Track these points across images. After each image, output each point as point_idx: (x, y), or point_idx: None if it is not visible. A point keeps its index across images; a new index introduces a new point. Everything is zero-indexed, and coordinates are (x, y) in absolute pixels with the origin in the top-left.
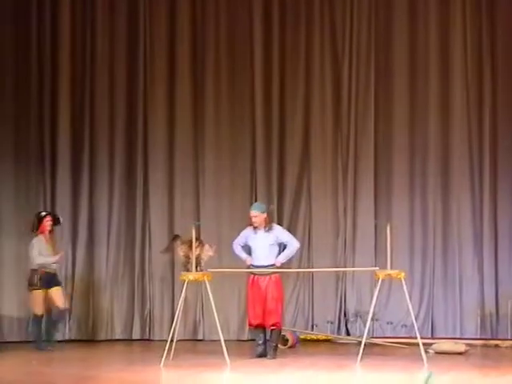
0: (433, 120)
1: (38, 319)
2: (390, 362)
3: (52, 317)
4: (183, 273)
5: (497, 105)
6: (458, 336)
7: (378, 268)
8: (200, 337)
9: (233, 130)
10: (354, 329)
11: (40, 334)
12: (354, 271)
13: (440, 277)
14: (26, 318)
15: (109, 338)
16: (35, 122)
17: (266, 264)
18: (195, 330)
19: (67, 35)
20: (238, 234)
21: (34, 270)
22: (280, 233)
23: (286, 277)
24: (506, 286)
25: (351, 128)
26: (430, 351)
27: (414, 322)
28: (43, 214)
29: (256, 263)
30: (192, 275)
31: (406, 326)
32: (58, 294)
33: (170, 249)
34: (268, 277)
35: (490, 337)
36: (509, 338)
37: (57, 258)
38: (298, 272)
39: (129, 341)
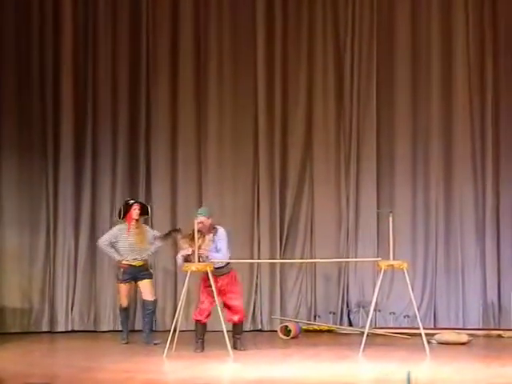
0: (435, 108)
1: (121, 311)
2: (392, 352)
3: (144, 309)
4: (186, 264)
5: (499, 92)
6: (460, 326)
7: (380, 258)
8: None
9: (236, 120)
10: (357, 319)
11: (126, 326)
12: (356, 261)
13: (442, 267)
14: (28, 309)
15: (111, 328)
16: (37, 115)
17: (222, 265)
18: None
19: (69, 27)
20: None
21: (118, 263)
22: (220, 237)
23: (288, 267)
24: (509, 275)
25: (353, 117)
26: (433, 341)
27: (417, 312)
28: (131, 202)
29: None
30: (194, 266)
31: (408, 316)
32: (144, 287)
33: (167, 237)
34: (226, 275)
35: (492, 327)
36: (511, 328)
37: (116, 257)
38: (300, 263)
39: (131, 332)
